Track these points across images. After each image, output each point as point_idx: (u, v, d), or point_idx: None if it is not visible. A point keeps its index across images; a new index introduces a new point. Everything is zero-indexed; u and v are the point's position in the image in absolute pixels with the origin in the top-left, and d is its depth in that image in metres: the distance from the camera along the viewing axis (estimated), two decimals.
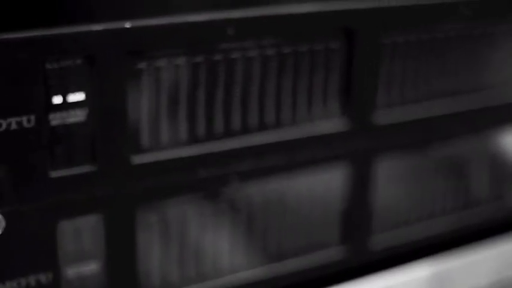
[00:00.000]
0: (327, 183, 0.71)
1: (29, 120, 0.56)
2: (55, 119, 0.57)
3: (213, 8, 0.61)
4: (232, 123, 0.64)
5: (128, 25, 0.58)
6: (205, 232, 0.66)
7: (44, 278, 0.60)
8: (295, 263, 0.71)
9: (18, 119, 0.55)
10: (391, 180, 0.75)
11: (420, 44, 0.72)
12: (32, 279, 0.59)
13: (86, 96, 0.58)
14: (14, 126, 0.55)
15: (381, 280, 0.76)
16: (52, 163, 0.58)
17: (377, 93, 0.71)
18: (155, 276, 0.65)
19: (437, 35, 0.72)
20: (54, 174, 0.58)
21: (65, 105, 0.57)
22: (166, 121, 0.62)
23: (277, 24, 0.63)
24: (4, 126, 0.55)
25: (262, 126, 0.66)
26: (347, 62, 0.68)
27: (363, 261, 0.75)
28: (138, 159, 0.61)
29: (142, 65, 0.59)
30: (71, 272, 0.61)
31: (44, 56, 0.55)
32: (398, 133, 0.73)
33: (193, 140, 0.63)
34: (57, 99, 0.57)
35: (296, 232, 0.70)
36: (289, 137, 0.67)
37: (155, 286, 0.65)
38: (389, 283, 0.76)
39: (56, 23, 0.56)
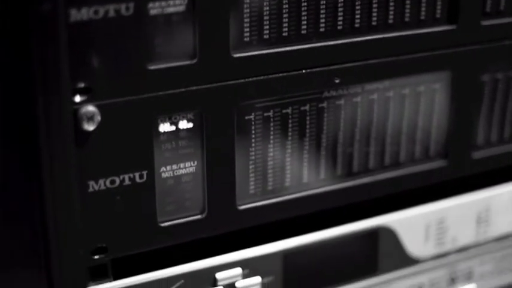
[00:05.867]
0: (429, 88, 0.67)
1: (127, 8, 0.53)
2: (154, 8, 0.54)
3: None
4: None
5: None
6: (305, 135, 0.63)
7: (138, 176, 0.57)
8: (396, 172, 0.67)
9: (116, 6, 0.52)
10: (497, 90, 0.70)
11: None
12: (126, 178, 0.57)
13: None
14: (111, 13, 0.52)
15: (481, 195, 0.73)
16: (150, 55, 0.54)
17: None
18: (251, 181, 0.62)
19: None
20: (152, 66, 0.55)
21: None
22: None
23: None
24: (101, 13, 0.52)
25: None
26: None
27: (464, 174, 0.71)
28: (238, 53, 0.57)
29: None
30: (166, 170, 0.58)
31: None
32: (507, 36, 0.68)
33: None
34: None
35: (397, 139, 0.67)
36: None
37: (250, 191, 0.62)
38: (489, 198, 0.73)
39: None
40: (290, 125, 0.62)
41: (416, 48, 0.64)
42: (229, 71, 0.57)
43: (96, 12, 0.52)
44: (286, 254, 0.65)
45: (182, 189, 0.59)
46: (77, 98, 0.53)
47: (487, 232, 0.74)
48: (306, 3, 0.59)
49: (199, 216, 0.60)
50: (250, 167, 0.62)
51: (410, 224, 0.70)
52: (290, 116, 0.62)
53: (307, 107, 0.62)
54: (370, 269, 0.69)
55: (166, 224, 0.59)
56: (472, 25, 0.66)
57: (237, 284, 0.63)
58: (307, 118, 0.62)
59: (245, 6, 0.57)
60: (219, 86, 0.57)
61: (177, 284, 0.61)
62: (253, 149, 0.61)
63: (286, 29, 0.59)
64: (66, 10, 0.51)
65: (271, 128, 0.61)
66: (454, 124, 0.68)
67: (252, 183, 0.62)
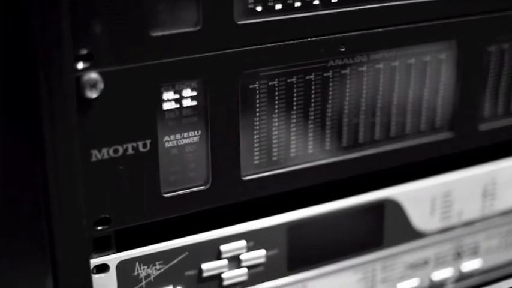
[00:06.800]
0: (436, 58, 0.66)
1: None
2: None
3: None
4: None
5: None
6: (309, 105, 0.62)
7: (141, 145, 0.56)
8: (402, 144, 0.67)
9: None
10: (504, 61, 0.69)
11: None
12: (129, 147, 0.56)
13: None
14: None
15: (487, 168, 0.72)
16: (154, 21, 0.54)
17: None
18: (255, 151, 0.61)
19: None
20: (156, 33, 0.54)
21: None
22: None
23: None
24: None
25: None
26: None
27: (470, 147, 0.70)
28: (243, 21, 0.56)
29: None
30: (170, 140, 0.58)
31: None
32: None
33: None
34: None
35: (403, 110, 0.66)
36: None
37: (255, 162, 0.62)
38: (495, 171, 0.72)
39: None
40: (295, 94, 0.61)
41: (422, 17, 0.63)
42: (234, 38, 0.57)
43: None
44: (291, 226, 0.64)
45: (186, 159, 0.59)
46: (80, 65, 0.52)
47: (493, 206, 0.73)
48: None
49: (203, 187, 0.60)
50: (255, 137, 0.61)
51: (416, 197, 0.69)
52: (295, 85, 0.61)
53: (312, 76, 0.61)
54: (375, 242, 0.69)
55: (170, 194, 0.59)
56: None
57: (241, 257, 0.63)
58: (312, 87, 0.62)
59: None
60: (223, 53, 0.57)
61: (181, 256, 0.61)
62: (257, 118, 0.60)
63: None
64: None
65: (276, 97, 0.60)
66: (460, 95, 0.67)
67: (256, 153, 0.61)
